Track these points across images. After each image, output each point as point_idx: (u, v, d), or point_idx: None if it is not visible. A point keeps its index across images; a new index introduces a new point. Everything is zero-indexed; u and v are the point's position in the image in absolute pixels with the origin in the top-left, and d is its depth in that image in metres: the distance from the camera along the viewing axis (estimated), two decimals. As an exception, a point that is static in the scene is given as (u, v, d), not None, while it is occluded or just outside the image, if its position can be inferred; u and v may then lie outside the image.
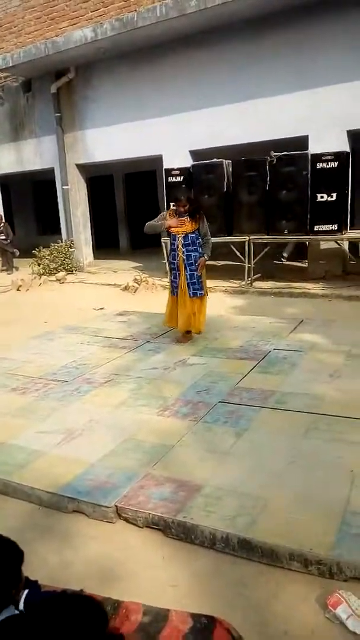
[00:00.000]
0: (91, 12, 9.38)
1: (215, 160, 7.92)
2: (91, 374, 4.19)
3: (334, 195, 7.10)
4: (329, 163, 7.07)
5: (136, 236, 12.68)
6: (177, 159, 8.74)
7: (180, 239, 4.75)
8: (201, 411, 3.32)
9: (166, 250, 7.41)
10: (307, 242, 8.11)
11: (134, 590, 1.91)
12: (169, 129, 8.82)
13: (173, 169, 8.41)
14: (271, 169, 7.43)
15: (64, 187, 10.58)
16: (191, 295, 4.80)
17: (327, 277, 7.70)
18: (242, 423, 3.12)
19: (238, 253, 7.96)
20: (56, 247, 10.33)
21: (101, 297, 7.70)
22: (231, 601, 1.85)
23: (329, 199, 7.13)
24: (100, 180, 13.12)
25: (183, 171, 8.25)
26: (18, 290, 8.81)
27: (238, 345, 4.75)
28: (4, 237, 11.23)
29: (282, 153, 7.34)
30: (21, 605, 1.45)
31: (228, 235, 7.93)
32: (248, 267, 7.82)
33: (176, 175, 8.30)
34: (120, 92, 9.37)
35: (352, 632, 1.68)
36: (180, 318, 4.89)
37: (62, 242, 10.57)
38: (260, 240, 7.79)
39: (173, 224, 4.76)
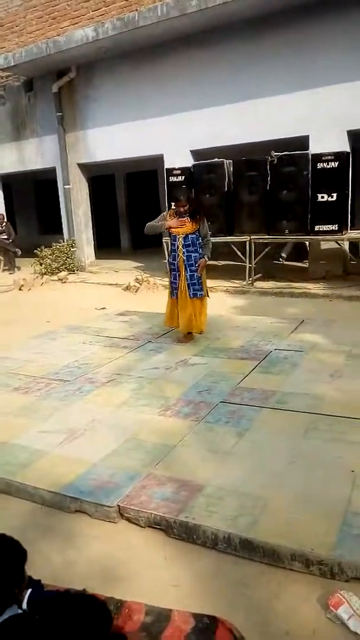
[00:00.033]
0: (92, 11, 9.37)
1: (216, 160, 7.92)
2: (93, 373, 4.21)
3: (335, 195, 7.10)
4: (330, 163, 7.07)
5: (137, 236, 12.67)
6: (178, 158, 8.75)
7: (180, 239, 4.74)
8: (203, 411, 3.33)
9: (167, 250, 7.41)
10: (307, 242, 8.11)
11: (136, 590, 1.92)
12: (170, 129, 8.82)
13: (174, 169, 8.41)
14: (272, 169, 7.43)
15: (65, 186, 10.59)
16: (191, 296, 4.79)
17: (328, 277, 7.70)
18: (243, 423, 3.13)
19: (239, 253, 7.96)
20: (58, 246, 10.34)
21: (103, 297, 7.71)
22: (233, 601, 1.86)
23: (330, 199, 7.12)
24: (102, 179, 13.13)
25: (184, 171, 8.25)
26: (20, 289, 8.82)
27: (239, 345, 4.76)
28: (5, 237, 11.24)
29: (283, 153, 7.34)
30: (24, 605, 1.46)
31: (229, 235, 7.93)
32: (249, 267, 7.82)
33: (177, 175, 8.30)
34: (121, 91, 9.37)
35: (353, 633, 1.69)
36: (181, 320, 4.89)
37: (63, 241, 10.57)
38: (261, 240, 7.79)
39: (173, 224, 4.75)
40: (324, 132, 7.45)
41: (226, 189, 7.87)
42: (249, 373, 3.99)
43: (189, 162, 8.58)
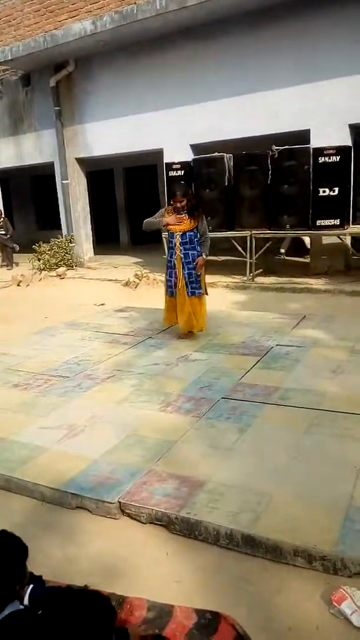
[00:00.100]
0: (90, 4, 9.30)
1: (216, 154, 7.87)
2: (93, 369, 4.19)
3: (336, 189, 7.06)
4: (331, 157, 7.02)
5: (137, 231, 12.60)
6: (177, 153, 8.68)
7: (177, 236, 4.67)
8: (204, 407, 3.31)
9: (166, 246, 7.38)
10: (309, 237, 8.07)
11: (138, 586, 1.91)
12: (170, 123, 8.76)
13: (174, 163, 8.34)
14: (273, 163, 7.38)
15: (63, 181, 10.53)
16: (189, 294, 4.72)
17: (330, 272, 7.68)
18: (245, 419, 3.11)
19: (240, 248, 7.93)
20: (56, 242, 10.30)
21: (102, 293, 7.69)
22: (235, 597, 1.85)
23: (331, 193, 7.08)
24: (100, 174, 13.06)
25: (184, 165, 8.19)
26: (18, 285, 8.78)
27: (240, 341, 4.74)
28: (3, 232, 11.20)
29: (284, 147, 7.29)
30: (26, 601, 1.46)
31: (229, 230, 7.89)
32: (250, 262, 7.79)
33: (177, 170, 8.23)
34: (120, 85, 9.30)
35: (356, 628, 1.68)
36: (180, 319, 4.84)
37: (62, 237, 10.53)
38: (261, 235, 7.75)
39: (171, 221, 4.68)
40: (325, 126, 7.39)
41: (226, 184, 7.82)
42: (250, 369, 3.98)
43: (188, 156, 8.52)
